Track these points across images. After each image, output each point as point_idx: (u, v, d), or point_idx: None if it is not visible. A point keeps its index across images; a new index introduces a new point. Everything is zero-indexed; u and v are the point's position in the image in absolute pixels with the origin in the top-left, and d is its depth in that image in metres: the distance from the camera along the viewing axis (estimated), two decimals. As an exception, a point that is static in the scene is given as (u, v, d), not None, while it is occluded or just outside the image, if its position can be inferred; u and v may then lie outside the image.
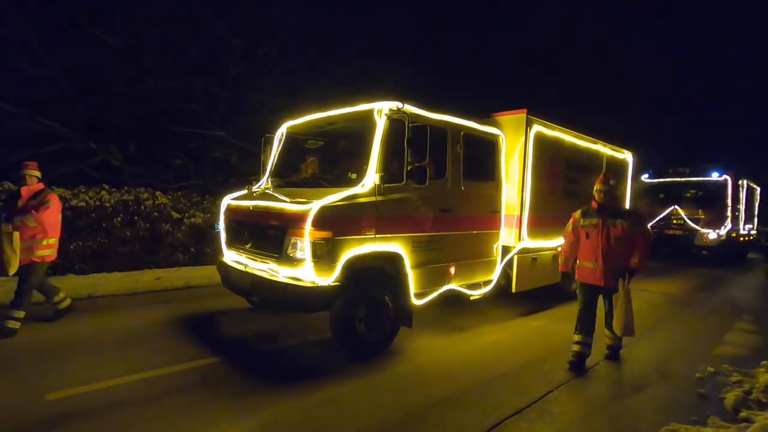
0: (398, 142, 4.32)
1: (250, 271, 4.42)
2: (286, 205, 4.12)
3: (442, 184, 4.96)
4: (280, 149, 5.66)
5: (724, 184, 13.46)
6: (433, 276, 4.89)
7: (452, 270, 5.14)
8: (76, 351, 4.18)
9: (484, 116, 6.22)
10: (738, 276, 11.99)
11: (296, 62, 14.55)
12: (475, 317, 5.93)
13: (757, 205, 17.58)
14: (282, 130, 5.70)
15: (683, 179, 14.13)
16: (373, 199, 4.17)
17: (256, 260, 4.45)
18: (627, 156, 8.79)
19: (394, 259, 4.44)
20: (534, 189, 6.04)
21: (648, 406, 3.55)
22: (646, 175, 14.99)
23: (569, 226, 4.68)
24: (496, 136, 5.74)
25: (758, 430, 2.77)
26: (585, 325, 4.37)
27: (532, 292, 6.48)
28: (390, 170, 4.33)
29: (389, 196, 4.31)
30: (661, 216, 14.09)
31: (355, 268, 4.07)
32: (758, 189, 18.73)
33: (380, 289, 4.32)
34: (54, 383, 3.44)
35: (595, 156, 7.59)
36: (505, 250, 5.95)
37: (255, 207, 4.53)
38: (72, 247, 7.31)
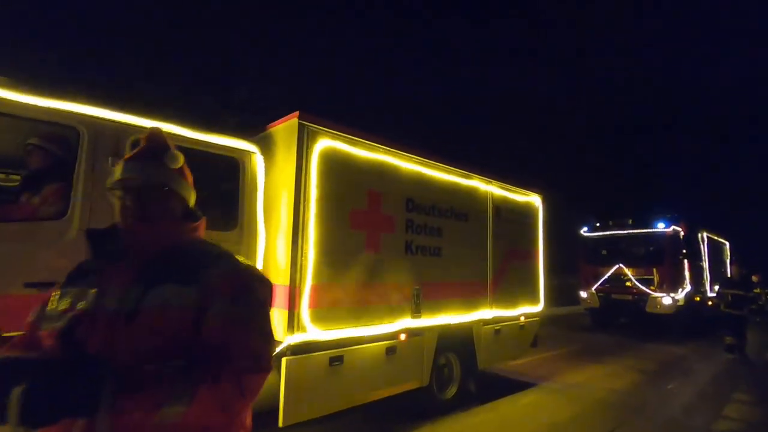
0: None
1: None
2: None
3: (49, 233, 2.49)
4: None
5: (674, 237, 11.37)
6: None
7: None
8: None
9: (255, 129, 3.98)
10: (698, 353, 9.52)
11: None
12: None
13: (728, 262, 15.54)
14: None
15: (626, 231, 12.02)
16: None
17: None
18: (532, 199, 6.58)
19: None
20: (326, 241, 3.62)
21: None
22: (585, 228, 12.89)
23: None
24: (239, 153, 3.40)
25: None
26: None
27: (328, 420, 3.82)
28: None
29: None
30: (606, 277, 11.79)
31: None
32: (727, 244, 16.84)
33: None
34: None
35: (470, 195, 5.32)
36: (269, 348, 3.39)
37: None
38: None
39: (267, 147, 3.83)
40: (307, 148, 3.56)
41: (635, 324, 12.09)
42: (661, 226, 11.32)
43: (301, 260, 3.44)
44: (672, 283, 10.94)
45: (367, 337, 3.92)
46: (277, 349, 3.32)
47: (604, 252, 12.31)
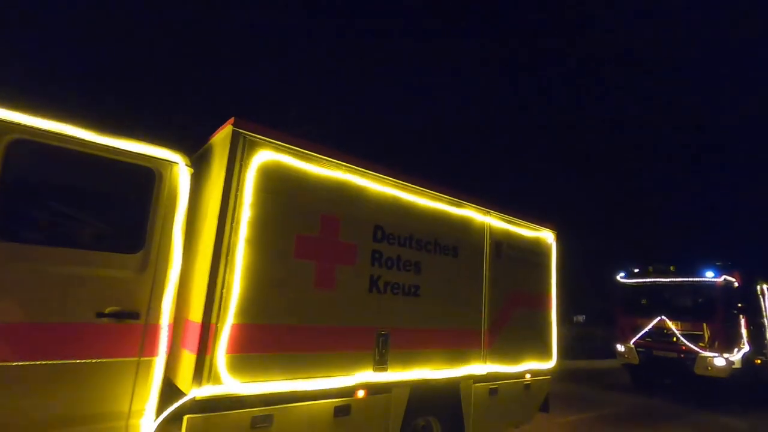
0: None
1: None
2: None
3: None
4: None
5: (727, 288, 9.87)
6: None
7: None
8: None
9: (201, 142, 3.57)
10: None
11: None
12: None
13: None
14: None
15: (668, 280, 10.59)
16: None
17: None
18: (544, 234, 5.73)
19: None
20: (258, 272, 3.01)
21: None
22: (622, 274, 11.54)
23: None
24: (156, 163, 2.88)
25: None
26: None
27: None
28: None
29: None
30: (646, 330, 10.35)
31: None
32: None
33: None
34: None
35: (461, 226, 4.59)
36: (170, 397, 2.74)
37: None
38: None
39: (206, 160, 3.37)
40: (242, 160, 3.03)
41: (683, 386, 10.46)
42: (709, 275, 9.88)
43: (222, 293, 2.84)
44: (726, 341, 9.39)
45: (308, 392, 3.19)
46: (178, 403, 2.67)
47: (643, 301, 10.90)
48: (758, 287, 11.42)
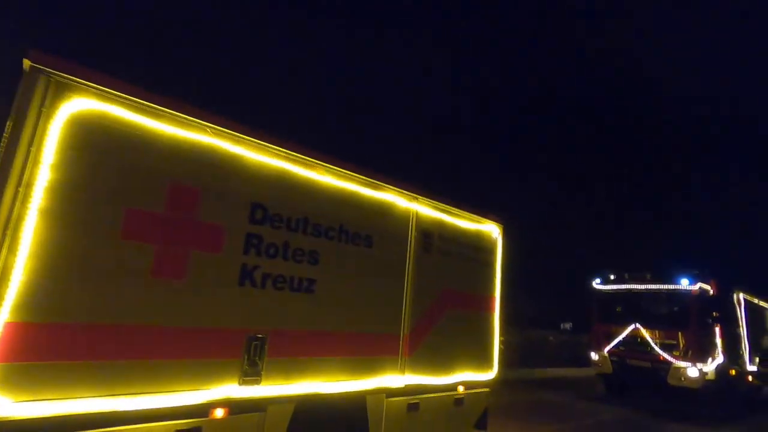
0: None
1: None
2: None
3: None
4: None
5: (701, 296, 9.26)
6: None
7: None
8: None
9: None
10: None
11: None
12: None
13: None
14: None
15: (644, 287, 9.97)
16: None
17: None
18: (487, 228, 5.06)
19: None
20: (59, 253, 2.29)
21: None
22: (598, 281, 10.92)
23: None
24: None
25: None
26: None
27: None
28: None
29: None
30: (620, 339, 9.72)
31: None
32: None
33: None
34: None
35: (378, 211, 3.89)
36: None
37: None
38: None
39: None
40: (43, 106, 2.32)
41: (658, 396, 9.89)
42: (684, 283, 9.28)
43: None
44: (699, 351, 8.79)
45: (137, 412, 2.46)
46: None
47: (618, 309, 10.29)
48: (735, 296, 10.89)
